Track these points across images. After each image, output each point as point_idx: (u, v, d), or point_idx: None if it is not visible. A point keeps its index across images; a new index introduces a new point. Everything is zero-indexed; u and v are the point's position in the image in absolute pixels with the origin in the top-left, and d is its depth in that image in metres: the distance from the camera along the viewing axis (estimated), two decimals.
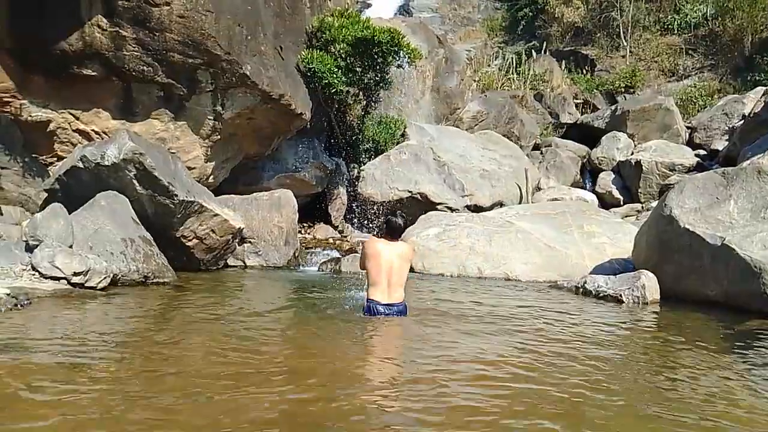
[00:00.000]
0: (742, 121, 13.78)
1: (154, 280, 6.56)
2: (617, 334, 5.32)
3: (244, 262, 8.62)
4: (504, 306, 6.27)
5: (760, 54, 17.96)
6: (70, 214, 6.30)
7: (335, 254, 9.45)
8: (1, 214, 7.62)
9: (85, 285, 5.74)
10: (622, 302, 6.78)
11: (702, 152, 14.48)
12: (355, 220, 11.61)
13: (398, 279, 5.11)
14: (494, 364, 3.86)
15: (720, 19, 19.95)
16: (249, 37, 8.63)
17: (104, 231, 6.40)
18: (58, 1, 7.34)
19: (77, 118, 8.34)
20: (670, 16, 21.27)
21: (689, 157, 13.74)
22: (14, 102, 7.91)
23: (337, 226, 11.44)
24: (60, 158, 8.23)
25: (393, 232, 5.27)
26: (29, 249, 5.91)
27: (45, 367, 3.38)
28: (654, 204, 10.27)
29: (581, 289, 7.32)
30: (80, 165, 6.84)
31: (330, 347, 4.29)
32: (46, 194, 7.14)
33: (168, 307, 5.63)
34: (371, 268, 5.09)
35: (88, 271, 5.77)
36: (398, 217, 5.29)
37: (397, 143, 12.32)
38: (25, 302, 4.90)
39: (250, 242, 8.70)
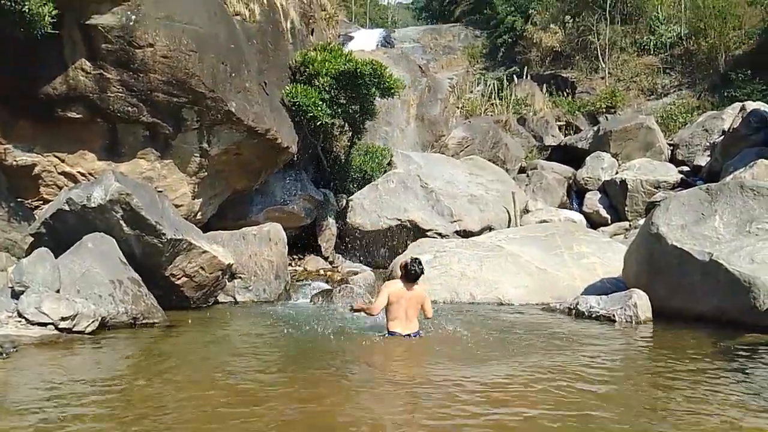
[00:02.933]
0: (722, 137, 14.02)
1: (144, 321, 6.48)
2: (611, 355, 5.30)
3: (235, 298, 8.54)
4: (497, 330, 6.25)
5: (734, 71, 18.39)
6: (56, 257, 6.23)
7: (326, 286, 9.39)
8: None
9: (73, 329, 5.65)
10: (615, 322, 6.78)
11: (685, 168, 14.70)
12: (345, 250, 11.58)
13: (413, 313, 5.76)
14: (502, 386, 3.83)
15: (694, 38, 20.47)
16: (233, 75, 8.71)
17: (92, 273, 6.33)
18: (41, 46, 7.38)
19: (63, 161, 8.32)
20: (645, 37, 21.80)
21: (673, 174, 13.92)
22: None
23: (328, 257, 11.40)
24: (46, 201, 8.18)
25: (411, 279, 5.78)
26: (15, 295, 5.82)
27: (30, 418, 3.29)
28: (641, 222, 10.37)
29: (574, 311, 7.31)
30: (66, 208, 6.79)
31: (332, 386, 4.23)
32: (32, 239, 7.06)
33: (157, 352, 5.51)
34: (392, 309, 5.67)
35: (75, 315, 5.69)
36: (416, 265, 5.77)
37: (384, 172, 12.38)
38: (11, 350, 4.81)
39: (240, 278, 8.63)
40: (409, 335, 5.67)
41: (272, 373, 4.58)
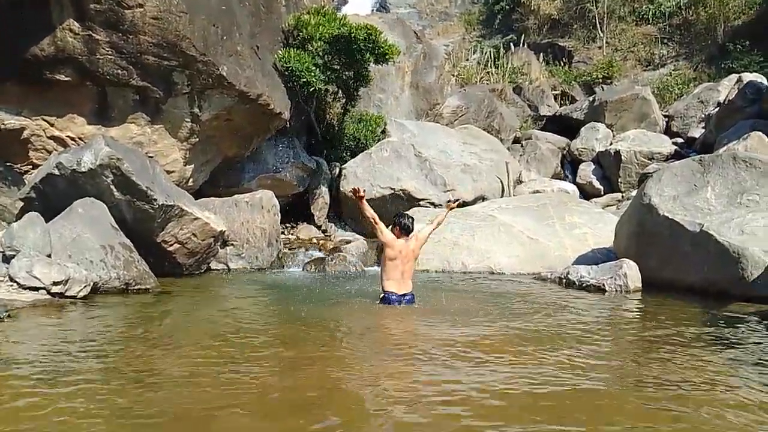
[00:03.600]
0: (718, 109, 13.98)
1: (136, 287, 6.48)
2: (600, 323, 5.36)
3: (227, 266, 8.55)
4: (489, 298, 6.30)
5: (732, 42, 18.21)
6: (47, 222, 6.19)
7: (319, 254, 9.42)
8: None
9: (65, 294, 5.65)
10: (605, 291, 6.85)
11: (679, 140, 14.67)
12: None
13: (408, 274, 5.85)
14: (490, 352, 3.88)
15: (693, 8, 20.20)
16: (224, 38, 8.55)
17: (83, 239, 6.30)
18: (28, 6, 7.20)
19: (52, 125, 8.21)
20: (644, 6, 21.48)
21: (667, 145, 13.91)
22: None
23: (320, 226, 11.39)
24: (35, 166, 8.10)
25: (406, 232, 5.89)
26: (6, 260, 5.80)
27: (26, 379, 3.31)
28: (634, 193, 10.38)
29: (564, 280, 7.38)
30: (56, 172, 6.73)
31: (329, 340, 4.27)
32: (22, 203, 7.01)
33: (149, 315, 5.55)
34: (387, 264, 5.79)
35: (67, 280, 5.68)
36: (405, 218, 5.95)
37: (378, 140, 12.29)
38: (3, 314, 4.81)
39: (232, 245, 8.63)
40: (404, 295, 5.77)
41: (261, 336, 4.62)
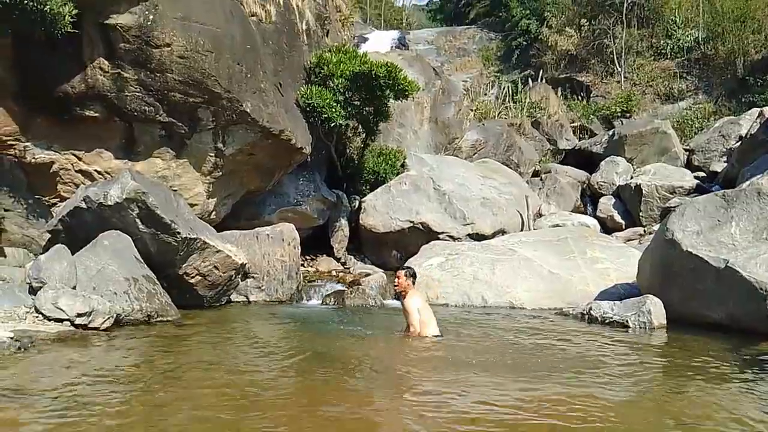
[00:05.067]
0: (740, 143, 13.88)
1: (158, 319, 6.53)
2: (626, 361, 5.26)
3: (248, 298, 8.59)
4: (511, 334, 6.23)
5: (752, 75, 18.19)
6: (73, 254, 6.31)
7: (338, 287, 9.42)
8: (5, 256, 7.64)
9: (89, 326, 5.71)
10: (628, 328, 6.73)
11: (701, 174, 14.56)
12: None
13: None
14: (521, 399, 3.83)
15: (711, 42, 20.26)
16: (249, 75, 8.77)
17: (107, 271, 6.40)
18: (60, 45, 7.48)
19: (80, 159, 8.42)
20: (662, 41, 21.62)
21: (688, 179, 13.80)
22: (18, 144, 8.00)
23: (340, 258, 11.43)
24: (63, 199, 8.28)
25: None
26: (33, 291, 5.91)
27: (40, 411, 3.33)
28: (656, 227, 10.28)
29: (587, 316, 7.27)
30: (83, 205, 6.87)
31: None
32: (49, 235, 7.15)
33: (169, 348, 5.56)
34: (428, 315, 5.89)
35: (91, 312, 5.75)
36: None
37: (397, 174, 12.39)
38: (29, 345, 4.87)
39: (253, 277, 8.68)
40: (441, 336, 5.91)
41: (281, 372, 4.60)
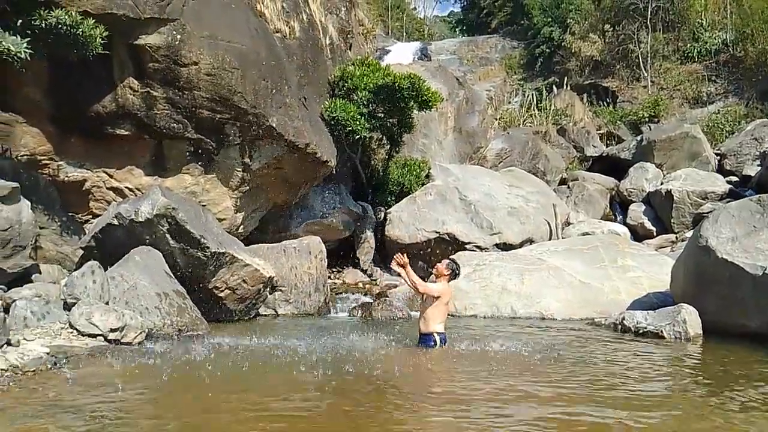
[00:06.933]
0: None
1: (188, 333, 6.60)
2: (663, 372, 5.13)
3: (276, 311, 8.63)
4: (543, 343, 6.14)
5: None
6: (105, 270, 6.43)
7: (365, 299, 9.41)
8: (40, 273, 7.80)
9: (121, 341, 5.80)
10: (663, 338, 6.57)
11: (734, 179, 14.22)
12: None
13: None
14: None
15: (741, 44, 19.86)
16: (274, 91, 8.88)
17: (139, 286, 6.50)
18: (92, 66, 7.67)
19: (111, 176, 8.60)
20: (689, 45, 21.27)
21: (721, 184, 13.48)
22: (52, 164, 8.21)
23: (366, 270, 11.42)
24: (95, 216, 8.45)
25: (453, 280, 6.18)
26: (67, 307, 6.02)
27: (67, 428, 3.37)
28: (689, 234, 10.06)
29: (620, 326, 7.13)
30: (115, 222, 7.00)
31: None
32: (82, 252, 7.30)
33: (200, 363, 5.60)
34: (443, 310, 5.94)
35: (124, 327, 5.84)
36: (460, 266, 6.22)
37: (422, 185, 12.38)
38: (64, 361, 4.97)
39: (280, 290, 8.72)
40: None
41: (313, 389, 4.60)
